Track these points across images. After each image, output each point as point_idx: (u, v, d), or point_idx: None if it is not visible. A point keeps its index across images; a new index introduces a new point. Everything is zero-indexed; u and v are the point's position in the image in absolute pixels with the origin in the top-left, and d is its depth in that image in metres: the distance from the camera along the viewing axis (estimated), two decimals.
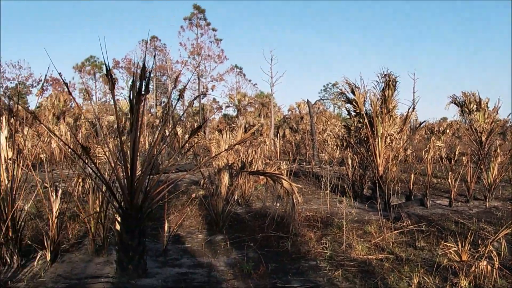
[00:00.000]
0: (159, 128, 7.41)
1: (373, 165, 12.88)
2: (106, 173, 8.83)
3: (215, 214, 9.67)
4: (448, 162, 16.49)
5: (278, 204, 9.68)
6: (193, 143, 23.81)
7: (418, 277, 6.54)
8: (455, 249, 6.81)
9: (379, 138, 12.68)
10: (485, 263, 6.26)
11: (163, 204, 9.59)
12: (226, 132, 13.38)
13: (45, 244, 7.38)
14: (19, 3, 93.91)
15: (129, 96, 6.26)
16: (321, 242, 8.51)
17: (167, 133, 9.57)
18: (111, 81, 5.95)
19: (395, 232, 9.19)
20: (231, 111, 55.53)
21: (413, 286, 6.36)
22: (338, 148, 21.63)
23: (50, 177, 9.36)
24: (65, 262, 7.51)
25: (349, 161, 14.30)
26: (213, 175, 11.56)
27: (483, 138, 15.15)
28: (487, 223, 10.50)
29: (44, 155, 18.47)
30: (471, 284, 6.30)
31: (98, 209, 7.93)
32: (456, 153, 17.20)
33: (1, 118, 7.34)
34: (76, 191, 8.72)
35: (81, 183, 9.44)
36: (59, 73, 6.05)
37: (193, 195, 12.19)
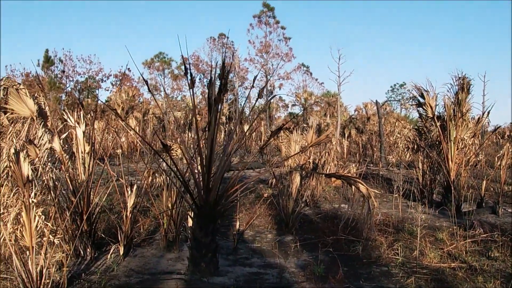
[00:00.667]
0: (234, 127, 7.46)
1: (444, 170, 12.67)
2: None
3: (285, 214, 9.68)
4: None
5: (349, 207, 9.62)
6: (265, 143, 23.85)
7: None
8: None
9: (452, 142, 12.46)
10: None
11: (235, 202, 9.66)
12: (296, 132, 13.32)
13: (119, 238, 7.53)
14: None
15: (208, 95, 6.32)
16: (393, 248, 8.42)
17: (235, 131, 9.57)
18: (191, 80, 6.01)
19: (468, 240, 9.01)
20: (297, 110, 55.36)
21: None
22: (408, 151, 21.33)
23: (124, 171, 9.51)
24: (137, 256, 7.65)
25: (420, 164, 14.11)
26: (284, 175, 11.56)
27: None
28: None
29: (119, 150, 18.81)
30: None
31: (171, 205, 8.03)
32: None
33: (79, 113, 7.50)
34: (148, 186, 8.84)
35: (152, 178, 9.57)
36: (141, 75, 6.11)
37: (265, 195, 12.22)
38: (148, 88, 6.67)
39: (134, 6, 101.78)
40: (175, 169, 6.75)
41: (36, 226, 5.72)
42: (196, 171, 6.98)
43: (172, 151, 10.36)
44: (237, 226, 8.91)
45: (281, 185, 10.90)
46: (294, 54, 56.32)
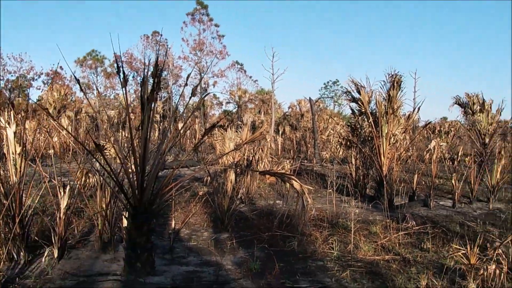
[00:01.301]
0: (168, 125, 7.42)
1: (376, 165, 12.89)
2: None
3: (221, 212, 9.67)
4: (451, 162, 16.51)
5: (283, 203, 9.69)
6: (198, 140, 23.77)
7: (426, 279, 6.55)
8: (464, 252, 6.82)
9: (384, 138, 12.69)
10: (494, 266, 6.27)
11: (169, 201, 9.60)
12: (230, 129, 13.35)
13: (53, 241, 7.38)
14: None
15: (141, 93, 6.26)
16: (328, 242, 8.52)
17: (169, 129, 9.53)
18: (123, 78, 5.95)
19: (401, 233, 9.20)
20: (231, 107, 55.49)
21: None
22: (341, 147, 21.64)
23: (56, 172, 9.33)
24: (72, 258, 7.51)
25: (353, 160, 14.32)
26: (219, 173, 11.56)
27: (487, 140, 15.17)
28: (492, 225, 10.52)
29: (52, 150, 18.45)
30: (479, 287, 6.32)
31: (105, 206, 7.93)
32: (459, 154, 17.24)
33: (9, 113, 7.32)
34: (81, 186, 8.69)
35: (86, 179, 9.42)
36: (73, 73, 6.04)
37: (200, 193, 12.18)
38: (80, 87, 6.57)
39: (67, 3, 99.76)
40: (109, 169, 6.67)
41: None
42: (130, 170, 6.91)
43: (105, 151, 10.23)
44: (173, 225, 8.86)
45: (216, 183, 10.90)
46: (228, 52, 56.60)
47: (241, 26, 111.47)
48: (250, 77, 68.11)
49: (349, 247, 8.25)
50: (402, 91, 12.97)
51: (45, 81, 57.51)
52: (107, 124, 30.86)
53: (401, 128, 13.25)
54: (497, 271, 6.25)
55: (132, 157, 6.50)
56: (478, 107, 16.14)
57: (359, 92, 13.16)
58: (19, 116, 7.60)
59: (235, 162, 12.00)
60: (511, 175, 15.72)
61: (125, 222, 7.53)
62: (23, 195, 7.37)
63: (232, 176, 10.17)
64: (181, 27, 54.55)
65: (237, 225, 9.95)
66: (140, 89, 6.36)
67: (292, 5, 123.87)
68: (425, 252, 8.20)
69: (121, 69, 5.99)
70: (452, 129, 34.28)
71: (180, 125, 27.03)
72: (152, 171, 6.72)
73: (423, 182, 15.09)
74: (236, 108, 49.25)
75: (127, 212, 7.04)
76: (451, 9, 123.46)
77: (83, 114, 33.80)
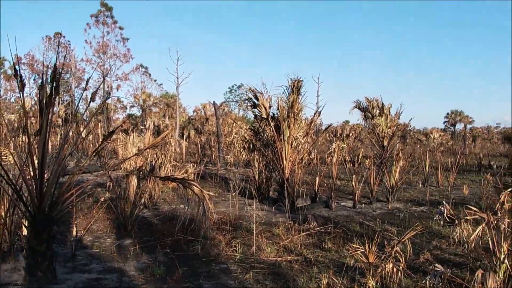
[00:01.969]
0: (70, 129, 7.25)
1: (279, 168, 13.03)
2: (10, 176, 8.55)
3: (123, 217, 9.53)
4: (351, 164, 16.89)
5: (187, 208, 9.64)
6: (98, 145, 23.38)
7: (327, 278, 6.66)
8: (362, 250, 6.98)
9: (285, 142, 12.84)
10: (391, 264, 6.44)
11: (70, 207, 9.38)
12: (133, 133, 13.20)
13: None
14: None
15: (39, 98, 6.09)
16: (231, 245, 8.53)
17: (71, 134, 9.34)
18: (21, 82, 5.78)
19: (303, 234, 9.33)
20: (136, 111, 54.84)
21: (322, 287, 6.48)
22: (245, 151, 21.75)
23: None
24: None
25: (256, 164, 14.41)
26: (121, 178, 11.39)
27: (385, 142, 15.60)
28: (390, 224, 10.84)
29: None
30: (378, 284, 6.49)
31: (4, 214, 7.66)
32: (360, 156, 17.65)
33: None
34: None
35: None
36: None
37: (102, 199, 11.94)
38: None
39: None
40: (6, 176, 6.45)
41: None
42: (28, 176, 6.71)
43: (3, 157, 9.90)
44: (75, 232, 8.67)
45: (118, 188, 10.74)
46: (132, 55, 55.93)
47: (146, 28, 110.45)
48: (155, 80, 67.77)
49: (252, 249, 8.31)
50: (303, 95, 13.19)
51: None
52: (6, 128, 29.87)
53: (303, 132, 13.46)
54: (395, 269, 6.43)
55: (31, 163, 6.33)
56: (378, 111, 16.55)
57: (257, 99, 13.26)
58: None
59: (138, 167, 11.86)
60: (409, 175, 16.24)
61: (25, 230, 7.31)
62: None
63: (134, 181, 10.04)
64: (84, 29, 53.50)
65: (141, 231, 9.83)
66: (39, 93, 6.20)
67: (198, 9, 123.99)
68: (326, 252, 8.37)
69: (18, 72, 5.82)
70: (353, 132, 35.16)
71: (82, 129, 26.50)
72: (52, 176, 6.55)
73: (325, 184, 15.37)
74: (141, 112, 48.73)
75: (26, 220, 6.84)
76: (349, 11, 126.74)
77: None
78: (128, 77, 57.55)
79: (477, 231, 5.89)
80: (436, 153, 27.15)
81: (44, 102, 6.07)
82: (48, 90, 6.06)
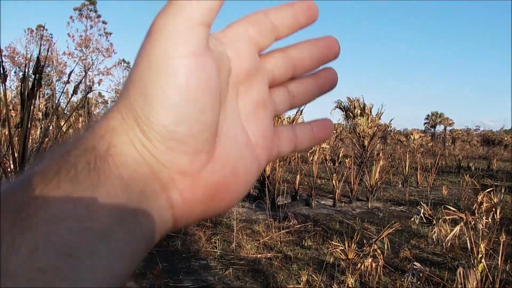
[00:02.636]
0: (50, 123, 7.21)
1: None
2: None
3: None
4: (332, 163, 16.95)
5: None
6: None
7: (307, 275, 6.71)
8: (342, 248, 7.03)
9: None
10: (370, 261, 6.50)
11: None
12: None
13: None
14: None
15: (21, 90, 6.07)
16: (211, 242, 8.55)
17: (51, 127, 9.24)
18: (3, 74, 5.74)
19: (283, 231, 9.37)
20: None
21: (301, 284, 6.52)
22: None
23: None
24: None
25: None
26: None
27: (366, 142, 15.67)
28: (370, 223, 10.91)
29: None
30: (357, 282, 6.55)
31: None
32: (340, 155, 17.73)
33: None
34: None
35: None
36: None
37: None
38: None
39: None
40: None
41: None
42: (8, 169, 6.68)
43: None
44: None
45: None
46: (115, 50, 55.70)
47: (129, 23, 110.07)
48: None
49: (232, 246, 8.32)
50: None
51: None
52: None
53: None
54: (373, 265, 6.49)
55: (11, 156, 6.30)
56: (359, 111, 16.59)
57: None
58: None
59: None
60: (389, 175, 16.35)
61: None
62: None
63: None
64: (67, 22, 53.19)
65: None
66: (20, 85, 6.17)
67: None
68: (306, 249, 8.41)
69: (1, 64, 5.79)
70: (334, 131, 35.25)
71: (62, 123, 26.34)
72: None
73: (306, 183, 15.42)
74: None
75: None
76: (332, 11, 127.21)
77: None
78: (110, 71, 57.34)
79: (454, 231, 5.96)
80: (416, 154, 27.31)
81: (26, 94, 6.04)
82: (30, 82, 6.04)
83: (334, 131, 35.64)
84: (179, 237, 8.67)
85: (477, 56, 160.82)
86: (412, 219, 6.49)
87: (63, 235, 0.37)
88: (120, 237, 0.41)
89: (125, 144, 0.45)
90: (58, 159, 0.42)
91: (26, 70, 6.12)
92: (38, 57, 5.98)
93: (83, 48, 52.45)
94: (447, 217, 6.10)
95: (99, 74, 55.97)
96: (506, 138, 67.87)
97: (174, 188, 0.48)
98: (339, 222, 10.81)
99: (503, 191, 6.31)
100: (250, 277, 6.88)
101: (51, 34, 56.93)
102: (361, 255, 7.06)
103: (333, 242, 7.41)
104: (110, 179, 0.42)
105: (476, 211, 6.06)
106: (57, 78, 53.53)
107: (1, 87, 6.29)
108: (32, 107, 6.20)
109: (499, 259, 6.00)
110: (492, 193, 6.07)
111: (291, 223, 10.18)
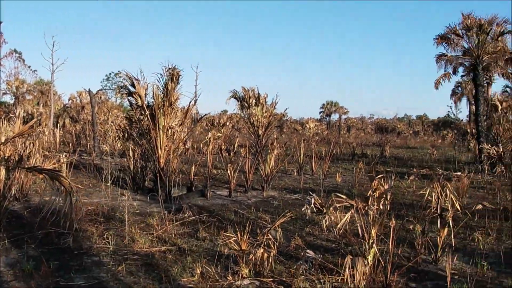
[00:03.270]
0: None
1: (154, 157, 12.90)
2: None
3: None
4: (227, 153, 16.96)
5: (59, 199, 9.33)
6: None
7: (201, 267, 6.65)
8: (235, 238, 7.01)
9: (161, 131, 12.71)
10: (262, 250, 6.51)
11: None
12: (2, 122, 12.61)
13: None
14: None
15: None
16: (104, 237, 8.37)
17: None
18: None
19: (177, 223, 9.30)
20: (8, 99, 52.66)
21: (196, 277, 6.46)
22: (120, 140, 21.39)
23: None
24: None
25: (131, 153, 14.21)
26: None
27: (261, 132, 15.77)
28: (265, 212, 10.99)
29: None
30: (251, 272, 6.54)
31: None
32: (235, 145, 17.77)
33: None
34: None
35: None
36: None
37: None
38: None
39: None
40: None
41: None
42: None
43: None
44: None
45: None
46: (5, 40, 53.84)
47: (21, 12, 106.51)
48: (29, 66, 65.32)
49: (125, 241, 8.18)
50: (179, 84, 13.08)
51: None
52: None
53: (178, 121, 13.36)
54: (266, 255, 6.52)
55: None
56: (254, 101, 16.69)
57: (134, 86, 13.02)
58: None
59: (6, 157, 11.36)
60: (284, 164, 16.54)
61: None
62: None
63: (2, 172, 9.61)
64: None
65: (10, 224, 9.44)
66: None
67: None
68: (201, 241, 8.38)
69: None
70: (229, 121, 35.36)
71: None
72: None
73: (201, 173, 15.38)
74: (14, 100, 46.87)
75: None
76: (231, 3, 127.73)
77: None
78: (0, 62, 55.34)
79: (345, 218, 6.04)
80: (311, 142, 27.83)
81: None
82: None
83: (230, 121, 35.80)
84: (70, 234, 8.40)
85: (371, 48, 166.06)
86: (303, 209, 6.51)
87: None
88: None
89: None
90: None
91: None
92: None
93: None
94: (338, 205, 6.18)
95: None
96: (399, 126, 70.51)
97: None
98: (234, 212, 10.83)
99: (393, 177, 6.46)
100: (144, 272, 6.76)
101: None
102: (255, 245, 7.05)
103: (226, 234, 7.39)
104: None
105: (370, 197, 6.17)
106: None
107: None
108: None
109: (390, 243, 6.15)
110: (383, 179, 6.20)
111: (185, 215, 10.11)
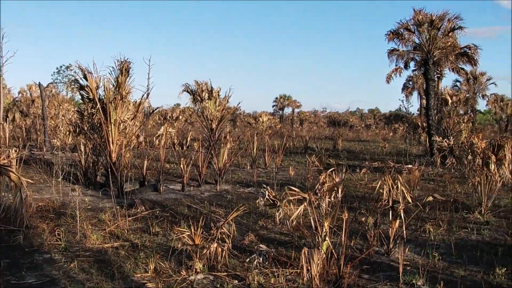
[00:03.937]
0: None
1: (106, 152, 12.75)
2: None
3: None
4: (180, 148, 16.90)
5: (9, 196, 9.15)
6: None
7: (154, 262, 6.61)
8: (188, 233, 6.99)
9: (113, 125, 12.58)
10: (216, 245, 6.50)
11: None
12: None
13: None
14: None
15: None
16: (55, 234, 8.21)
17: None
18: None
19: (130, 219, 9.21)
20: None
21: (149, 272, 6.41)
22: (71, 134, 21.09)
23: None
24: None
25: (82, 147, 14.02)
26: None
27: (214, 125, 15.72)
28: (218, 206, 10.98)
29: None
30: (205, 266, 6.52)
31: None
32: (188, 139, 17.72)
33: None
34: None
35: None
36: None
37: None
38: None
39: None
40: None
41: None
42: None
43: None
44: None
45: None
46: None
47: None
48: None
49: (77, 237, 8.08)
50: (131, 77, 12.94)
51: None
52: None
53: (131, 114, 13.24)
54: (219, 249, 6.50)
55: None
56: (207, 95, 16.62)
57: (86, 79, 12.84)
58: None
59: None
60: (237, 157, 16.53)
61: None
62: None
63: None
64: None
65: None
66: None
67: None
68: (154, 236, 8.33)
69: None
70: (182, 115, 35.18)
71: None
72: None
73: (154, 168, 15.28)
74: None
75: None
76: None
77: None
78: None
79: (298, 211, 6.05)
80: (264, 135, 27.87)
81: None
82: None
83: (183, 115, 35.62)
84: (21, 231, 8.25)
85: (324, 43, 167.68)
86: (257, 201, 6.51)
87: None
88: None
89: None
90: None
91: None
92: None
93: None
94: (291, 198, 6.19)
95: None
96: (351, 119, 71.28)
97: None
98: (187, 207, 10.80)
99: (344, 170, 6.51)
100: (96, 269, 6.68)
101: None
102: (209, 239, 7.03)
103: (180, 228, 7.36)
104: None
105: (317, 190, 6.20)
106: None
107: None
108: None
109: (343, 235, 6.19)
110: (334, 172, 6.23)
111: (138, 210, 10.04)
